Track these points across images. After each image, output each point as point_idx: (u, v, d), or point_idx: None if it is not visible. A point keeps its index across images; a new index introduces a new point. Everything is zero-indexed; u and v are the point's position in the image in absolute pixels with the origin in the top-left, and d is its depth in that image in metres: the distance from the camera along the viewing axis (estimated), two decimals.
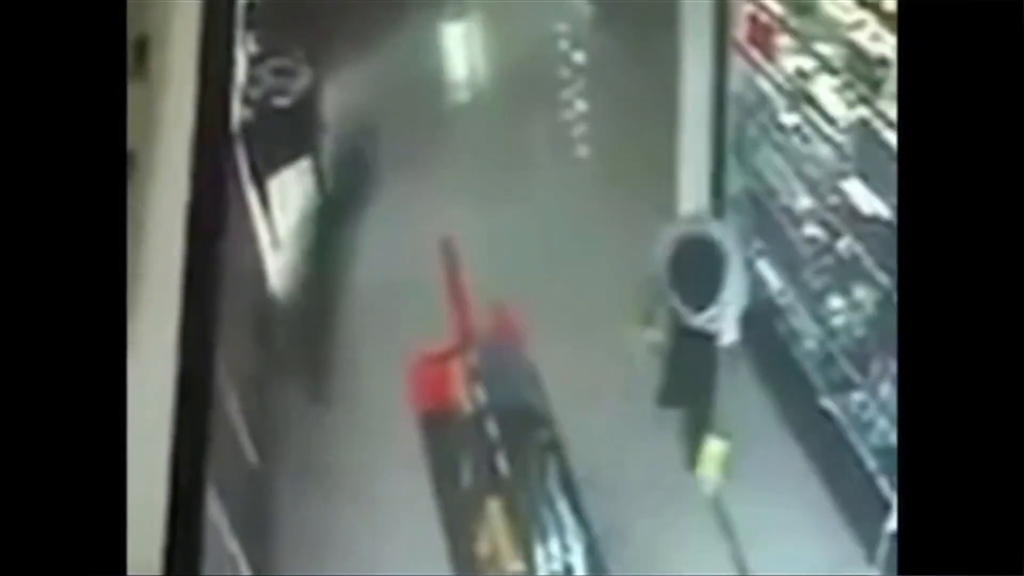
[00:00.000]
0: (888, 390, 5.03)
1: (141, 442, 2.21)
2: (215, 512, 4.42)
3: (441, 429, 5.50)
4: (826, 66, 5.18)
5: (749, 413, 6.00)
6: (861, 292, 5.15)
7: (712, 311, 5.26)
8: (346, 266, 7.82)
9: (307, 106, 8.32)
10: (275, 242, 7.99)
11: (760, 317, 6.16)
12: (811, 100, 5.37)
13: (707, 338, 5.49)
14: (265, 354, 6.86)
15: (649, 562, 5.27)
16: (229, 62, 2.94)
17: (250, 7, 8.46)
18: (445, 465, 5.39)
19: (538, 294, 6.42)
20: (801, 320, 5.80)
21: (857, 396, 5.28)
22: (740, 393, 6.05)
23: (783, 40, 5.56)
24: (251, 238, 7.35)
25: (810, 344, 5.72)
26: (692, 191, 6.22)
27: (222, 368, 4.82)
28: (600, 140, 8.52)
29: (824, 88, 5.25)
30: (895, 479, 4.84)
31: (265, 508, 5.87)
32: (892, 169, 4.68)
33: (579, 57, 8.57)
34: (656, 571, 5.31)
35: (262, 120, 7.78)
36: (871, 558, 5.07)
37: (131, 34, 2.15)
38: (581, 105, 8.59)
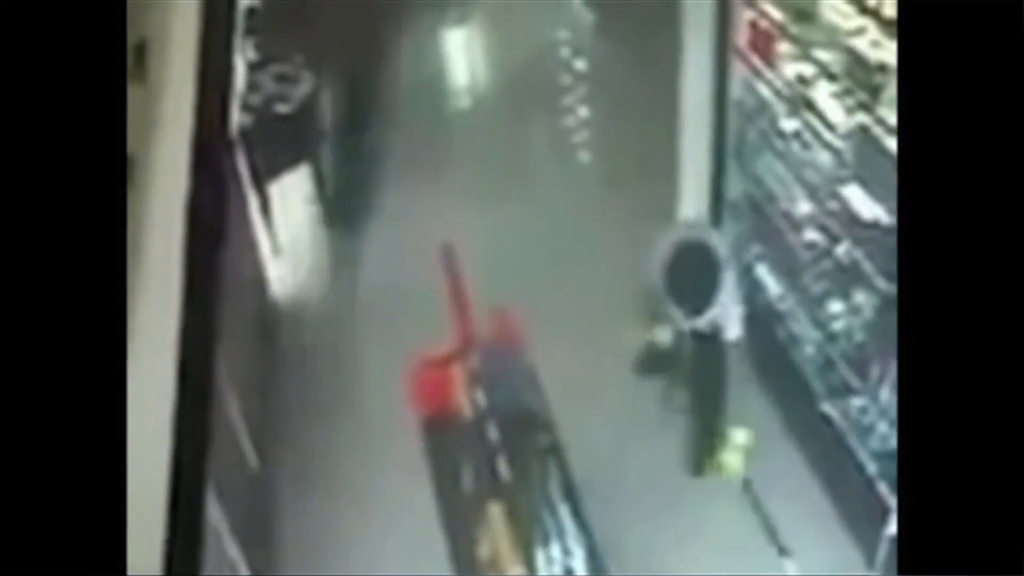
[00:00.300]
0: (887, 395, 5.03)
1: (141, 446, 2.22)
2: (216, 516, 4.43)
3: (442, 433, 5.50)
4: (826, 72, 5.18)
5: (749, 417, 6.01)
6: (860, 297, 5.16)
7: (706, 316, 5.27)
8: (347, 271, 7.84)
9: (308, 112, 8.35)
10: (276, 247, 8.00)
11: (760, 322, 6.17)
12: (811, 106, 5.38)
13: (714, 339, 5.51)
14: (266, 359, 6.87)
15: (649, 566, 5.27)
16: (228, 66, 2.95)
17: (251, 13, 8.51)
18: (446, 469, 5.39)
19: (539, 298, 6.43)
20: (801, 325, 5.81)
21: (857, 401, 5.28)
22: (740, 397, 6.07)
23: (783, 46, 5.57)
24: (252, 243, 7.37)
25: (810, 349, 5.72)
26: (692, 196, 6.23)
27: (223, 372, 4.85)
28: (601, 146, 8.54)
29: (824, 94, 5.25)
30: (895, 484, 4.84)
31: (266, 512, 5.88)
32: (891, 175, 4.69)
33: (580, 64, 8.61)
34: (656, 574, 5.32)
35: (263, 126, 7.80)
36: (870, 562, 5.08)
37: (130, 38, 2.16)
38: (582, 111, 8.62)
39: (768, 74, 5.75)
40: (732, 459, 5.53)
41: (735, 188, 6.42)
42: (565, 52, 8.77)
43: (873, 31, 4.67)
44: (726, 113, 6.27)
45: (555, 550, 4.90)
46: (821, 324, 5.57)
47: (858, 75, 4.86)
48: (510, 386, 5.43)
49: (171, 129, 2.43)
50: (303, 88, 8.15)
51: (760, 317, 6.18)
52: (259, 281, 7.47)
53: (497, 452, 5.15)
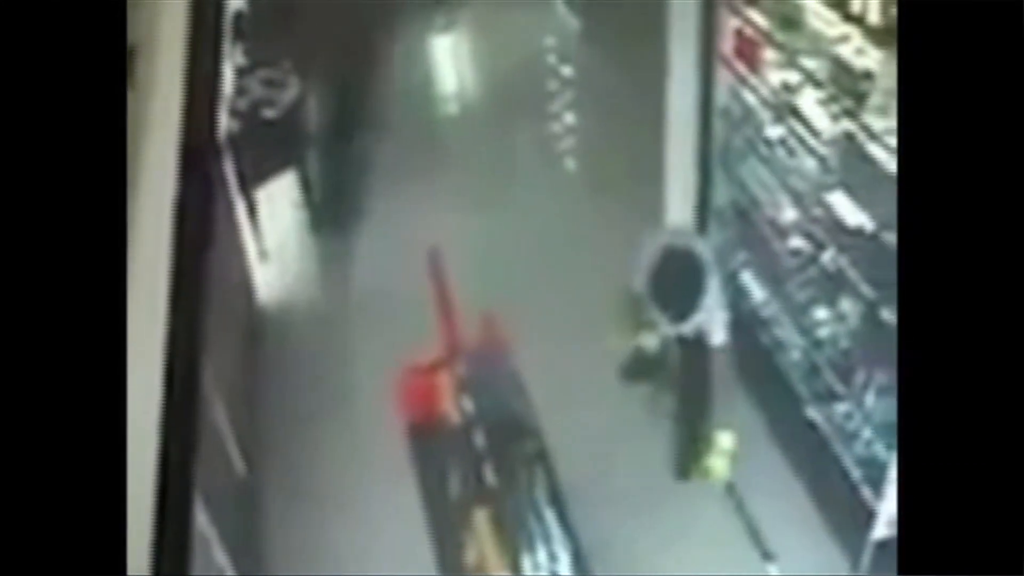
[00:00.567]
0: (872, 401, 5.06)
1: (128, 452, 2.22)
2: (203, 524, 4.42)
3: (429, 439, 5.50)
4: (811, 80, 5.20)
5: (734, 422, 6.02)
6: (845, 304, 5.18)
7: (691, 322, 5.27)
8: (334, 276, 7.83)
9: (295, 117, 8.35)
10: (263, 252, 8.00)
11: (745, 328, 6.19)
12: (796, 113, 5.40)
13: (700, 345, 5.51)
14: (252, 364, 6.86)
15: (635, 571, 5.28)
16: (216, 71, 2.95)
17: (238, 17, 8.50)
18: (433, 475, 5.39)
19: (526, 304, 6.44)
20: (786, 331, 5.83)
21: (841, 407, 5.30)
22: (725, 402, 6.08)
23: (768, 54, 5.59)
24: (239, 248, 7.36)
25: (795, 355, 5.74)
26: (678, 202, 6.25)
27: (210, 379, 4.84)
28: (587, 152, 8.55)
29: (809, 101, 5.27)
30: (878, 489, 4.87)
31: (253, 519, 5.87)
32: (876, 182, 4.72)
33: (567, 70, 8.63)
34: None
35: (250, 131, 7.80)
36: (855, 567, 5.10)
37: None
38: (569, 117, 8.63)
39: (753, 81, 5.78)
40: (717, 463, 5.55)
41: (721, 195, 6.44)
42: (552, 58, 8.79)
43: (857, 38, 4.69)
44: (712, 120, 6.29)
45: (541, 555, 4.90)
46: (806, 330, 5.59)
47: (843, 82, 4.88)
48: (497, 392, 5.44)
49: (159, 134, 2.43)
50: (290, 93, 8.15)
51: (745, 323, 6.20)
52: (246, 286, 7.47)
53: (484, 458, 5.15)
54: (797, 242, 5.57)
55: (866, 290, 4.91)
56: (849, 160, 4.95)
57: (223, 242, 6.46)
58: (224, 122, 7.38)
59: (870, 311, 4.90)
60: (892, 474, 4.75)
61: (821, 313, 5.45)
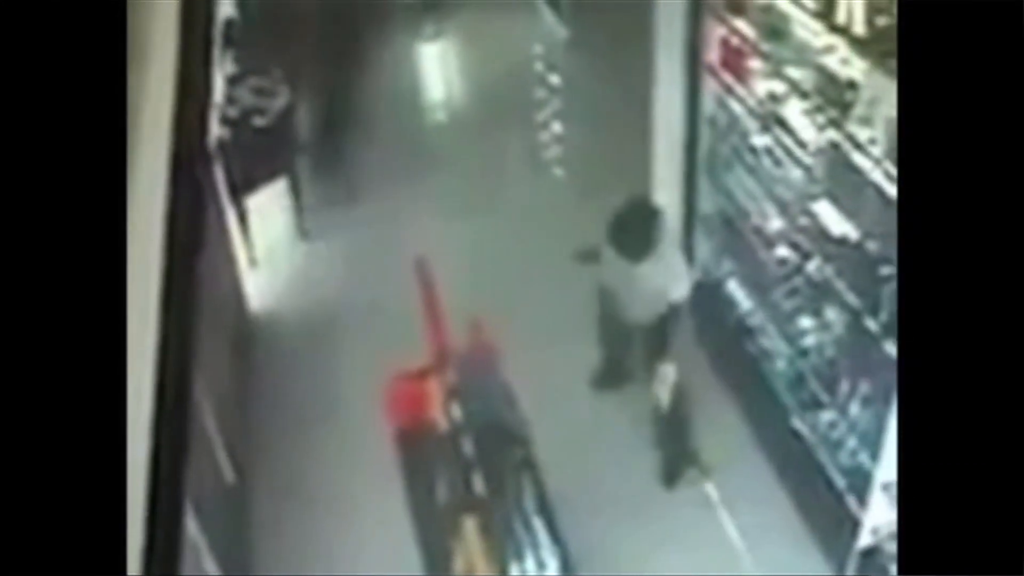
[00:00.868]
0: (857, 410, 5.09)
1: None
2: (193, 531, 4.43)
3: (417, 446, 5.51)
4: (797, 89, 5.23)
5: (720, 432, 6.06)
6: (831, 313, 5.21)
7: (650, 266, 5.40)
8: (323, 284, 7.85)
9: (285, 125, 8.37)
10: (252, 259, 8.02)
11: (731, 337, 6.23)
12: (782, 123, 5.42)
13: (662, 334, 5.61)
14: (242, 372, 6.87)
15: None
16: (207, 80, 2.96)
17: (229, 25, 8.52)
18: (421, 483, 5.40)
19: (513, 311, 6.47)
20: (771, 340, 5.85)
21: (826, 416, 5.33)
22: (711, 411, 6.12)
23: (755, 63, 5.62)
24: (229, 256, 7.37)
25: (780, 364, 5.77)
26: (665, 211, 6.27)
27: (200, 386, 4.85)
28: (574, 159, 8.59)
29: (794, 111, 5.30)
30: (863, 498, 4.90)
31: (242, 526, 5.88)
32: (861, 191, 4.75)
33: (554, 78, 8.67)
34: None
35: (240, 139, 7.82)
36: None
37: None
38: (556, 125, 8.67)
39: (740, 91, 5.80)
40: (661, 392, 5.59)
41: (707, 204, 6.47)
42: (539, 67, 8.83)
43: (843, 49, 4.72)
44: (698, 129, 6.32)
45: (530, 563, 4.91)
46: (792, 339, 5.62)
47: (828, 92, 4.91)
48: (485, 399, 5.44)
49: (149, 142, 2.44)
50: (280, 101, 8.17)
51: (731, 332, 6.24)
52: (236, 293, 7.48)
53: (472, 466, 5.15)
54: (783, 251, 5.60)
55: (851, 299, 4.94)
56: (834, 170, 4.98)
57: (213, 249, 6.48)
58: (215, 130, 7.40)
59: (855, 320, 4.93)
60: (876, 483, 4.78)
61: (806, 322, 5.48)
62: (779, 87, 5.42)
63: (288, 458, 6.28)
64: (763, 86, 5.57)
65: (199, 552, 4.60)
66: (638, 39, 6.76)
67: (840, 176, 4.93)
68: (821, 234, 5.15)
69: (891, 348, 4.57)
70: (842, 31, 4.66)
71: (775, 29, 5.36)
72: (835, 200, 5.05)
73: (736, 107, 5.89)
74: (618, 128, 7.29)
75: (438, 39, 11.29)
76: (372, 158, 9.05)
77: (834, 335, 5.22)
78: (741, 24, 5.66)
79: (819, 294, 5.29)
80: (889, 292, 4.56)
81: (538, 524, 5.00)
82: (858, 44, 4.57)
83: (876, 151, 4.57)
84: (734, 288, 6.33)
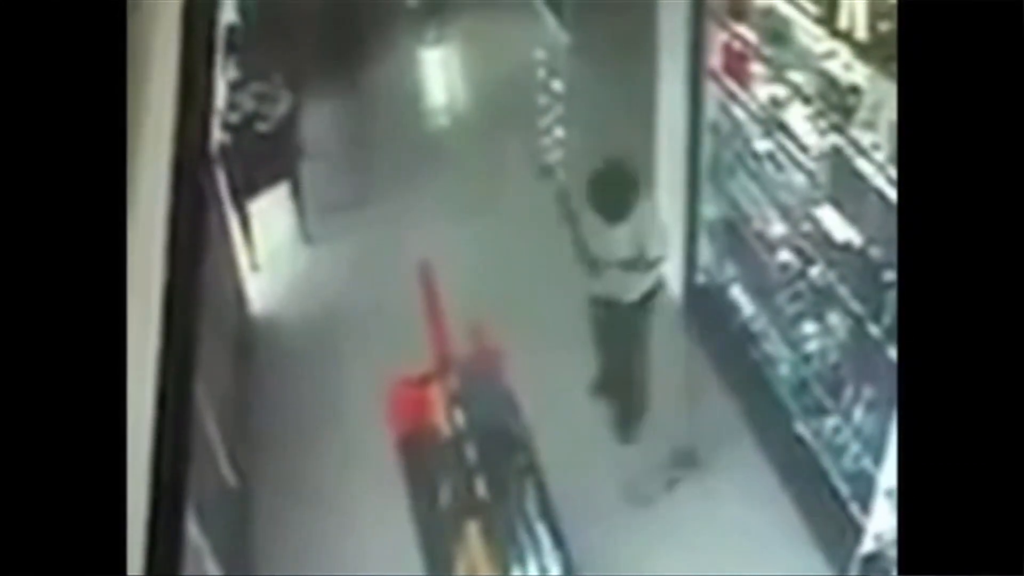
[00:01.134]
0: (860, 415, 5.08)
1: None
2: (195, 534, 4.43)
3: (420, 451, 5.51)
4: (799, 94, 5.23)
5: (723, 436, 6.05)
6: (834, 318, 5.20)
7: (627, 228, 5.49)
8: (325, 289, 7.85)
9: (287, 131, 8.39)
10: (254, 264, 8.02)
11: (734, 342, 6.22)
12: (784, 128, 5.42)
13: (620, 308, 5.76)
14: (244, 376, 6.87)
15: None
16: (209, 85, 2.97)
17: (231, 31, 8.54)
18: (424, 487, 5.40)
19: (517, 317, 6.47)
20: (775, 345, 5.85)
21: (830, 421, 5.32)
22: (714, 416, 6.11)
23: (757, 69, 5.62)
24: (231, 260, 7.38)
25: (783, 369, 5.76)
26: (668, 216, 6.27)
27: (202, 391, 4.86)
28: (577, 165, 8.58)
29: (797, 116, 5.30)
30: (866, 504, 4.89)
31: (244, 530, 5.88)
32: (864, 196, 4.75)
33: (557, 84, 8.66)
34: None
35: (243, 144, 7.83)
36: None
37: None
38: (558, 131, 8.66)
39: (742, 96, 5.80)
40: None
41: (710, 209, 6.47)
42: (542, 72, 8.82)
43: (845, 54, 4.72)
44: (701, 134, 6.32)
45: (532, 568, 4.91)
46: (795, 345, 5.62)
47: (831, 97, 4.91)
48: (488, 405, 5.44)
49: (151, 147, 2.44)
50: (282, 107, 8.19)
51: (734, 337, 6.23)
52: (238, 297, 7.48)
53: (475, 471, 5.15)
54: (786, 256, 5.59)
55: (854, 305, 4.93)
56: (837, 175, 4.98)
57: (216, 254, 6.48)
58: (217, 135, 7.41)
59: (858, 325, 4.92)
60: (880, 488, 4.77)
61: (810, 327, 5.47)
62: (781, 92, 5.42)
63: (290, 462, 6.28)
64: (765, 91, 5.57)
65: (202, 556, 4.60)
66: (640, 44, 6.77)
67: (843, 181, 4.92)
68: (824, 239, 5.14)
69: (894, 353, 4.56)
70: (844, 36, 4.65)
71: (777, 34, 5.36)
72: (838, 205, 5.04)
73: (739, 112, 5.89)
74: (621, 133, 7.28)
75: (440, 44, 11.30)
76: (375, 163, 9.06)
77: (837, 340, 5.21)
78: (743, 29, 5.67)
79: (822, 299, 5.28)
80: (892, 297, 4.56)
81: (540, 529, 5.00)
82: (860, 49, 4.57)
83: (879, 156, 4.57)
84: (737, 293, 6.32)
